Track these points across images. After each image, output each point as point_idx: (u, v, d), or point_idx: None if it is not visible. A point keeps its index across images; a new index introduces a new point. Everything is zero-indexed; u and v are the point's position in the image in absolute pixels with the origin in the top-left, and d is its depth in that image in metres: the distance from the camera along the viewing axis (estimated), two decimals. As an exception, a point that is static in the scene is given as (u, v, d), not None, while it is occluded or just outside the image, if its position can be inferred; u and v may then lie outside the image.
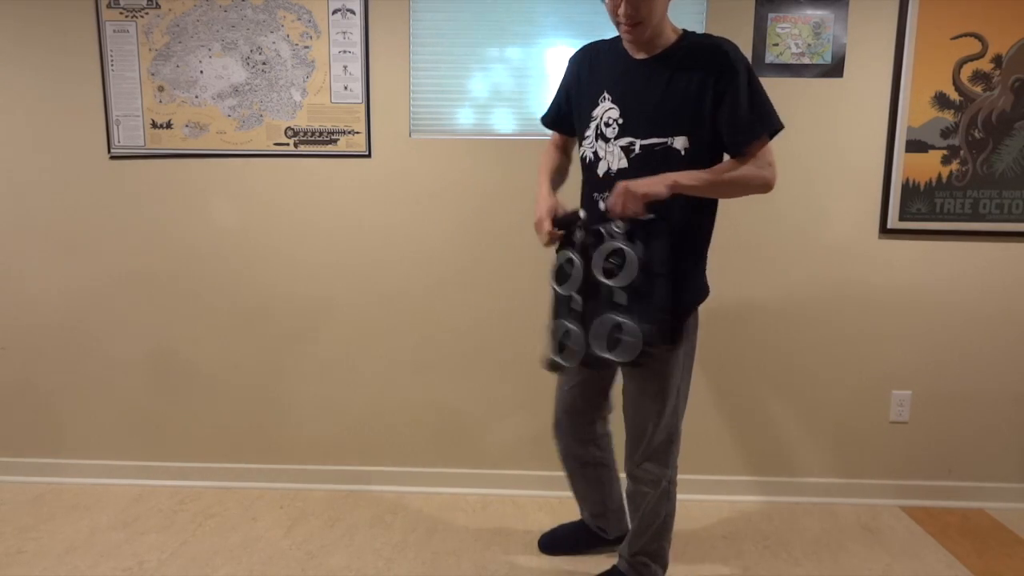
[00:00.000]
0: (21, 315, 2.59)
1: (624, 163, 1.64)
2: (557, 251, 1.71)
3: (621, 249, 1.55)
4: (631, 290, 1.55)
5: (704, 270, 1.73)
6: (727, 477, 2.56)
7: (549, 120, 1.89)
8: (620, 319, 1.56)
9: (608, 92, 1.67)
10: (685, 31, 1.68)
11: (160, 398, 2.61)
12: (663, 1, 1.59)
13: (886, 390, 2.51)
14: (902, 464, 2.54)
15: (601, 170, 1.68)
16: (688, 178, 1.56)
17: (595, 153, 1.69)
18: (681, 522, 2.37)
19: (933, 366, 2.49)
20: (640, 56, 1.65)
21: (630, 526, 1.91)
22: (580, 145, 1.76)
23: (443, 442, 2.58)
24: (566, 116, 1.83)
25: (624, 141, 1.64)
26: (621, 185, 1.54)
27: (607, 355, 1.58)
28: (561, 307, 1.69)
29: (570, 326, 1.64)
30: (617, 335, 1.56)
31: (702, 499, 2.53)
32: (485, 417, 2.57)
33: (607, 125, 1.66)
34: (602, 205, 1.62)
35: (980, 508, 2.51)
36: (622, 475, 1.92)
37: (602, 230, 1.59)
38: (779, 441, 2.55)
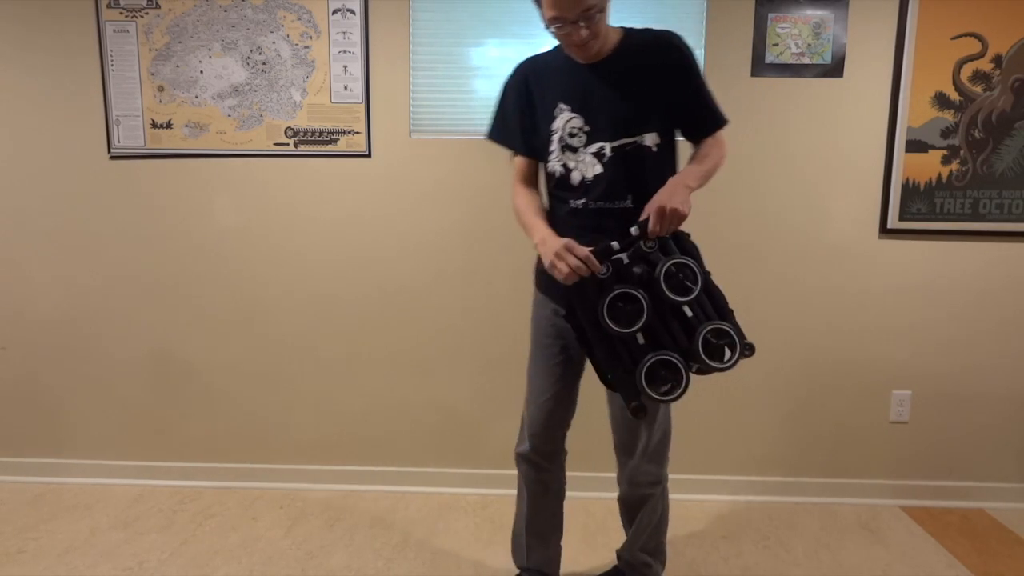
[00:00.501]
0: (22, 315, 2.59)
1: (599, 168, 1.61)
2: (582, 289, 1.52)
3: (678, 264, 1.50)
4: (696, 301, 1.52)
5: None
6: (727, 477, 2.56)
7: (496, 134, 1.77)
8: (718, 326, 1.49)
9: (565, 103, 1.63)
10: (624, 28, 1.64)
11: (160, 398, 2.61)
12: (607, 11, 1.56)
13: (886, 390, 2.51)
14: (902, 464, 2.54)
15: (575, 180, 1.63)
16: (692, 179, 1.57)
17: (564, 166, 1.64)
18: (681, 522, 2.37)
19: (933, 366, 2.49)
20: (589, 61, 1.61)
21: (625, 530, 1.87)
22: (545, 162, 1.70)
23: (443, 442, 2.58)
24: (518, 132, 1.73)
25: (594, 147, 1.61)
26: (663, 208, 1.47)
27: (719, 365, 1.49)
28: (627, 347, 1.51)
29: (667, 357, 1.48)
30: (717, 341, 1.49)
31: (702, 499, 2.53)
32: (485, 417, 2.57)
33: (572, 135, 1.63)
34: (634, 230, 1.53)
35: (980, 508, 2.50)
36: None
37: (643, 253, 1.51)
38: (779, 441, 2.55)
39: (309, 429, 2.60)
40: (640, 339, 1.50)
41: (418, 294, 2.52)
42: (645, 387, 1.49)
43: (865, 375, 2.50)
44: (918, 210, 2.40)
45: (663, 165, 1.63)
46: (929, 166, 2.38)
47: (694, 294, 1.50)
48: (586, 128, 1.62)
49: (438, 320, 2.52)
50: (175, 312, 2.56)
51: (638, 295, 1.48)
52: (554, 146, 1.65)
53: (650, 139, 1.60)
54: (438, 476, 2.59)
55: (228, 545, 2.20)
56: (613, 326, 1.49)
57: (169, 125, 2.47)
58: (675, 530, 2.33)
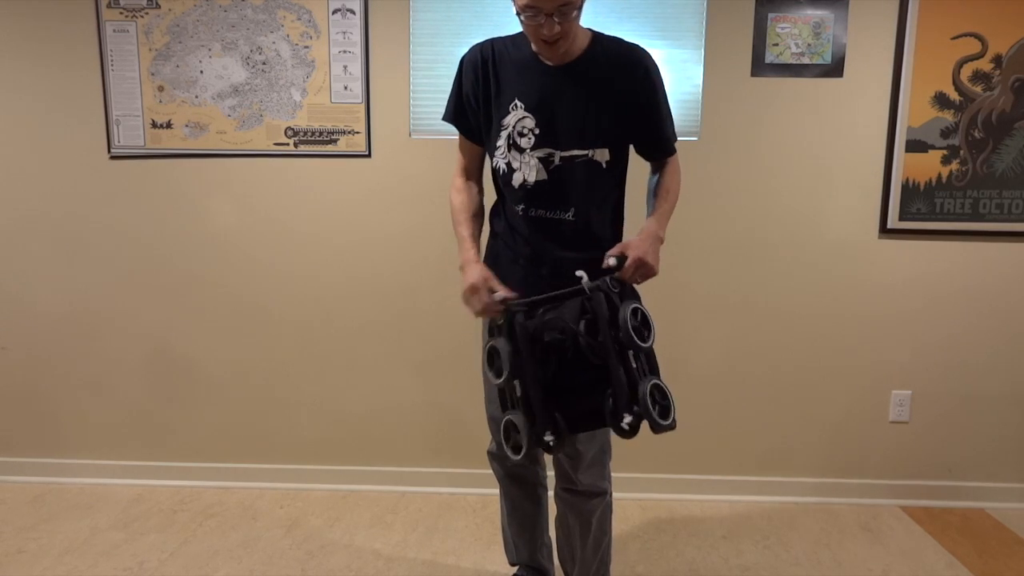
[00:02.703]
0: (21, 315, 2.59)
1: (543, 175, 1.57)
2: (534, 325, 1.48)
3: (637, 309, 1.44)
4: (642, 353, 1.47)
5: None
6: (727, 477, 2.56)
7: (451, 117, 1.70)
8: (656, 381, 1.43)
9: (520, 100, 1.56)
10: (594, 32, 1.58)
11: (160, 398, 2.61)
12: (581, 12, 1.49)
13: (886, 390, 2.51)
14: (902, 464, 2.54)
15: (516, 182, 1.60)
16: (663, 229, 1.58)
17: (508, 164, 1.60)
18: (681, 522, 2.37)
19: (933, 366, 2.49)
20: (554, 62, 1.55)
21: (575, 555, 1.77)
22: (491, 156, 1.65)
23: (443, 442, 2.58)
24: (469, 118, 1.67)
25: (542, 152, 1.56)
26: (643, 260, 1.47)
27: (665, 422, 1.41)
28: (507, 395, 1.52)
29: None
30: (661, 401, 1.42)
31: (702, 499, 2.53)
32: (485, 417, 2.56)
33: (521, 135, 1.57)
34: (613, 262, 1.50)
35: (980, 508, 2.51)
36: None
37: (609, 294, 1.46)
38: (779, 441, 2.54)
39: (309, 429, 2.60)
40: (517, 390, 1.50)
41: (418, 294, 2.51)
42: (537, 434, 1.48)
43: (865, 375, 2.50)
44: (918, 210, 2.40)
45: (611, 182, 1.60)
46: (929, 166, 2.38)
47: (648, 343, 1.44)
48: (536, 130, 1.55)
49: (438, 320, 2.52)
50: (175, 312, 2.56)
51: (498, 350, 1.48)
52: (501, 142, 1.60)
53: (601, 155, 1.56)
54: (438, 476, 2.59)
55: (228, 545, 2.20)
56: (493, 377, 1.52)
57: (169, 125, 2.47)
58: (675, 530, 2.33)
